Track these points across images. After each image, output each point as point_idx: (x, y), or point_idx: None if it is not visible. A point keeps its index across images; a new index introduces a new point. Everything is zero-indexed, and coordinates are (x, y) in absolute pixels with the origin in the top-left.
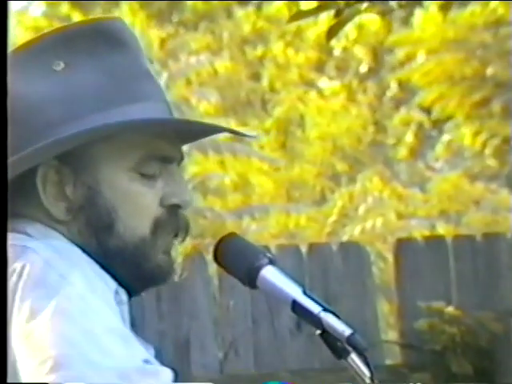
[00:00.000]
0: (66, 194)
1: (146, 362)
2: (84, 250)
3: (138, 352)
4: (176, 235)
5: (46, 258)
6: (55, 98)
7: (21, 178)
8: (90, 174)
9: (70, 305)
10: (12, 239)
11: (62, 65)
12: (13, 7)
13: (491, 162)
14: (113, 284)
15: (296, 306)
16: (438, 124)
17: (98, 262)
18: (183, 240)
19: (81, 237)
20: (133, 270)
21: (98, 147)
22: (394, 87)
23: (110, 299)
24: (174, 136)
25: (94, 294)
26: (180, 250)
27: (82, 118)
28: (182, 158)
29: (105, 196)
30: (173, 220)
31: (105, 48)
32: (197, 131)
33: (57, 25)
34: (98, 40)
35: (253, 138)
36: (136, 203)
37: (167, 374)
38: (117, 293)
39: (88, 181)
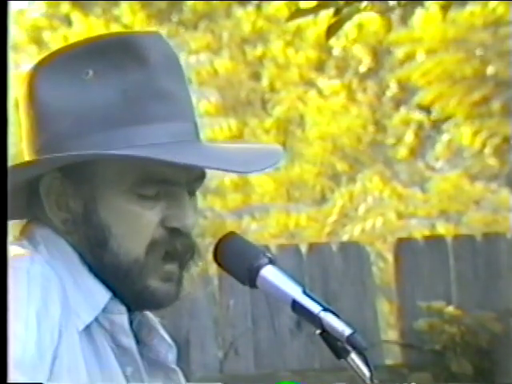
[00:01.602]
0: (68, 205)
1: None
2: (84, 260)
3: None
4: (176, 258)
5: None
6: (71, 108)
7: (33, 184)
8: (88, 191)
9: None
10: (19, 242)
11: (90, 73)
12: (13, 7)
13: (491, 162)
14: (106, 293)
15: (296, 305)
16: (438, 124)
17: (95, 272)
18: (191, 260)
19: (80, 249)
20: (127, 290)
21: (98, 165)
22: (393, 87)
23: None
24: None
25: (16, 320)
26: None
27: (85, 136)
28: (197, 179)
29: (99, 214)
30: (171, 242)
31: (128, 63)
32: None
33: (56, 25)
34: (124, 54)
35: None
36: (131, 223)
37: None
38: (112, 300)
39: (85, 197)
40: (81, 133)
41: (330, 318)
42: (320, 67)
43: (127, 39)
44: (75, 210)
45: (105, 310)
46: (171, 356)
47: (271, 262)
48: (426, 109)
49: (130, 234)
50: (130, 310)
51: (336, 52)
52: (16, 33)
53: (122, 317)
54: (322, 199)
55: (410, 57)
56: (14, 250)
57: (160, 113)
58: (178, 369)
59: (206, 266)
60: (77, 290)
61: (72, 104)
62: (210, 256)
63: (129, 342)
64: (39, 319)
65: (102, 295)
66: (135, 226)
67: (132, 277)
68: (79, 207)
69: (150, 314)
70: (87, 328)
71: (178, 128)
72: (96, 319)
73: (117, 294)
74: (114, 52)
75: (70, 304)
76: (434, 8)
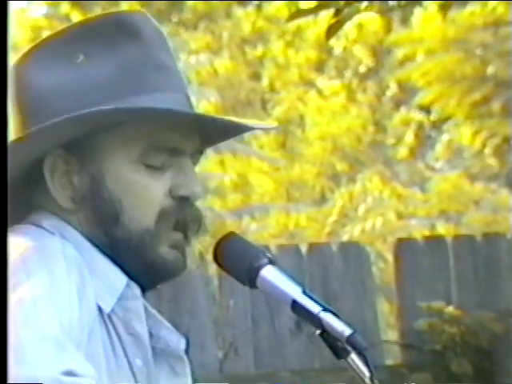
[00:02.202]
0: (73, 183)
1: (69, 373)
2: (94, 243)
3: (63, 362)
4: (184, 228)
5: (25, 256)
6: (67, 89)
7: (35, 166)
8: (94, 165)
9: (18, 308)
10: (28, 231)
11: (81, 57)
12: (13, 7)
13: (491, 162)
14: (122, 278)
15: (296, 305)
16: (438, 124)
17: (108, 255)
18: (197, 232)
19: (89, 227)
20: (139, 262)
21: (102, 137)
22: (393, 87)
23: (75, 301)
24: (189, 129)
25: (51, 297)
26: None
27: (88, 108)
28: (197, 152)
29: (108, 187)
30: (181, 212)
31: (121, 40)
32: (217, 128)
33: (56, 24)
34: (116, 32)
35: (272, 128)
36: (140, 194)
37: None
38: (128, 286)
39: (92, 171)
40: (81, 109)
41: (329, 319)
42: (320, 67)
43: (116, 18)
44: (81, 187)
45: (120, 296)
46: (182, 344)
47: (271, 262)
48: (426, 109)
49: (139, 205)
50: (143, 291)
51: (336, 52)
52: (16, 33)
53: (136, 302)
54: (322, 199)
55: (409, 57)
56: (37, 235)
57: (158, 83)
58: (186, 358)
59: (205, 266)
60: (95, 274)
61: (67, 85)
62: (209, 256)
63: (142, 328)
64: (80, 297)
65: (119, 279)
66: (144, 197)
67: (144, 246)
68: (86, 183)
69: (151, 308)
70: (102, 316)
71: (176, 98)
72: (111, 308)
73: (130, 270)
74: (105, 32)
75: (94, 288)
76: (433, 8)
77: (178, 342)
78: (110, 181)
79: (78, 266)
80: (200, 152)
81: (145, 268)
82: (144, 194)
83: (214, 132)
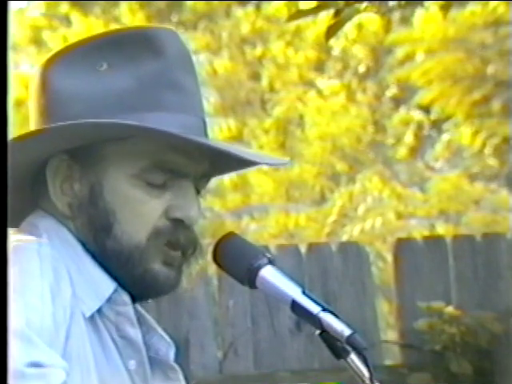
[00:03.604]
0: (73, 189)
1: (34, 364)
2: (87, 248)
3: (28, 355)
4: (178, 249)
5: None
6: (85, 94)
7: (39, 169)
8: (95, 175)
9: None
10: (23, 229)
11: (104, 66)
12: (13, 7)
13: (491, 162)
14: (110, 284)
15: (295, 306)
16: (438, 123)
17: (98, 261)
18: (192, 256)
19: (83, 234)
20: (128, 275)
21: (107, 148)
22: (393, 87)
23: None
24: (198, 153)
25: (20, 294)
26: (195, 268)
27: (97, 117)
28: (204, 177)
29: (105, 198)
30: (174, 233)
31: (144, 55)
32: (228, 157)
33: (56, 24)
34: (141, 46)
35: (286, 163)
36: (135, 209)
37: (56, 376)
38: (117, 292)
39: (92, 180)
40: (93, 116)
41: (329, 319)
42: (320, 67)
43: (144, 32)
44: (80, 194)
45: (110, 300)
46: (172, 353)
47: (271, 262)
48: (426, 109)
49: (133, 220)
50: (134, 302)
51: (336, 52)
52: (16, 33)
53: (127, 307)
54: (322, 199)
55: (409, 57)
56: (18, 238)
57: (173, 103)
58: (177, 367)
59: (205, 265)
60: (81, 278)
61: (84, 91)
62: (209, 256)
63: (135, 332)
64: (53, 294)
65: (107, 285)
66: (139, 213)
67: (133, 261)
68: (85, 191)
69: (147, 314)
70: (91, 318)
71: (190, 121)
72: (101, 310)
73: (120, 281)
74: (130, 45)
75: (76, 290)
76: (434, 8)
77: (167, 352)
78: (108, 191)
79: (54, 265)
80: (208, 177)
81: (133, 281)
82: (140, 210)
83: (224, 160)
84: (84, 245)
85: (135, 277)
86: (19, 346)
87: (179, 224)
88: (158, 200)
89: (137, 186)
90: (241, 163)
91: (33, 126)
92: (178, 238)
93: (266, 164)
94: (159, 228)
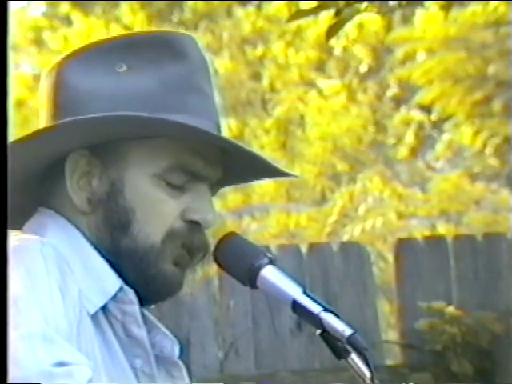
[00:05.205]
0: (91, 185)
1: (60, 364)
2: (97, 247)
3: (53, 355)
4: (190, 251)
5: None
6: (104, 94)
7: (53, 166)
8: (116, 171)
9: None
10: (29, 229)
11: (124, 67)
12: (13, 7)
13: (492, 162)
14: (116, 281)
15: (296, 305)
16: (439, 123)
17: (109, 261)
18: (201, 260)
19: (97, 231)
20: (139, 275)
21: (130, 146)
22: (394, 86)
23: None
24: (213, 157)
25: (32, 294)
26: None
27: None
28: (217, 183)
29: (125, 196)
30: (188, 236)
31: (166, 58)
32: (240, 163)
33: (56, 24)
34: (162, 50)
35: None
36: (154, 208)
37: (83, 374)
38: (122, 290)
39: (113, 177)
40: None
41: (330, 319)
42: (320, 67)
43: (163, 36)
44: (99, 191)
45: (116, 299)
46: (177, 350)
47: (271, 262)
48: (427, 109)
49: (151, 219)
50: (141, 305)
51: (336, 52)
52: (16, 33)
53: (133, 307)
54: (323, 199)
55: (410, 56)
56: (18, 238)
57: (193, 106)
58: (181, 363)
59: (206, 265)
60: (86, 274)
61: (105, 90)
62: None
63: (140, 332)
64: (62, 292)
65: (113, 282)
66: (158, 213)
67: (147, 261)
68: (104, 187)
69: (149, 314)
70: (96, 316)
71: (208, 125)
72: (107, 308)
73: (129, 281)
74: (149, 48)
75: (81, 288)
76: (434, 8)
77: (172, 349)
78: (129, 189)
79: (59, 263)
80: (220, 184)
81: (144, 282)
82: (159, 209)
83: (236, 167)
84: (93, 243)
85: (147, 277)
86: (42, 346)
87: (195, 227)
88: (176, 201)
89: (158, 186)
90: (255, 173)
91: (42, 123)
92: (192, 240)
93: (283, 176)
94: (175, 229)
